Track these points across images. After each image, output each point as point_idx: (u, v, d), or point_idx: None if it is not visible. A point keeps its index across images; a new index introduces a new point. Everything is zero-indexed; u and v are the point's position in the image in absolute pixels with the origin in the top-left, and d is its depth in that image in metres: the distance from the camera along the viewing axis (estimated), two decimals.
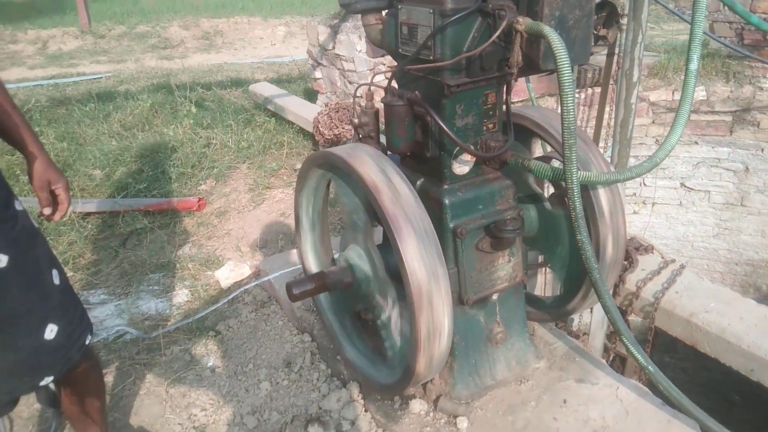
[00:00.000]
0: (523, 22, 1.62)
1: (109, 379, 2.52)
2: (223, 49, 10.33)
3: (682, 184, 6.16)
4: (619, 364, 2.84)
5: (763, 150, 5.63)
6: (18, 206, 1.61)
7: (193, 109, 5.25)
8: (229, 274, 3.10)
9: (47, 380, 1.68)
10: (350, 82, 4.64)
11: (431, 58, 1.73)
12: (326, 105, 4.44)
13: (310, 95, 5.82)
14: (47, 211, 1.73)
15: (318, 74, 5.19)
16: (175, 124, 5.03)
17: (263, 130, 5.01)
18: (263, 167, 4.44)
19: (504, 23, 1.63)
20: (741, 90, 5.49)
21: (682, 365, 6.05)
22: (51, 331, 1.62)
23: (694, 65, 1.84)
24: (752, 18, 4.94)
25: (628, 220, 2.06)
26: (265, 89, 5.60)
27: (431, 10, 1.67)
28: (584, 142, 2.00)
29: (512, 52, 1.68)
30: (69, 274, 3.24)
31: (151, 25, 11.04)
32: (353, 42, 4.39)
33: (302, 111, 4.83)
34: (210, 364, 2.56)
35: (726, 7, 5.02)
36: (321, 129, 4.29)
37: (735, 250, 6.28)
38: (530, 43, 1.67)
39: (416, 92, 1.82)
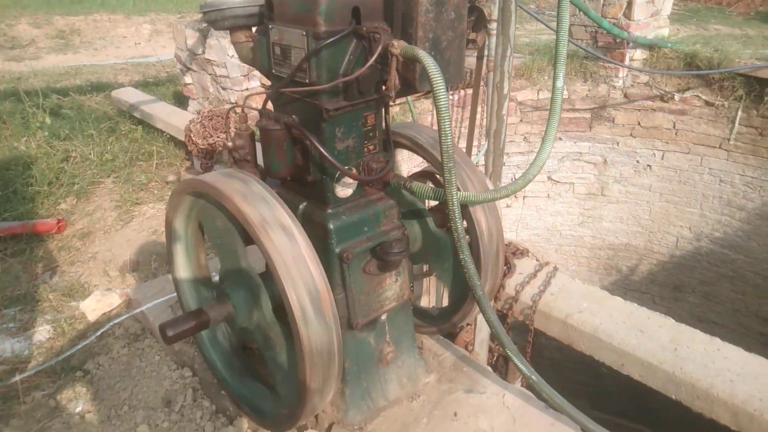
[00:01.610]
0: (399, 46, 1.60)
1: None
2: (81, 50, 9.53)
3: (549, 178, 6.55)
4: (503, 363, 2.95)
5: (618, 143, 6.12)
6: None
7: (48, 120, 4.77)
8: (97, 304, 2.84)
9: None
10: (223, 88, 4.44)
11: (307, 81, 1.67)
12: (199, 113, 4.21)
13: (181, 100, 5.51)
14: None
15: (188, 79, 4.92)
16: (27, 136, 4.54)
17: (129, 139, 4.67)
18: (131, 181, 4.14)
19: (379, 47, 1.60)
20: (597, 89, 5.92)
21: (557, 344, 6.46)
22: None
23: (560, 82, 1.91)
24: (603, 23, 5.34)
25: (502, 214, 2.13)
26: (129, 95, 5.22)
27: (304, 32, 1.60)
28: (462, 162, 2.03)
29: (389, 75, 1.66)
30: None
31: None
32: (224, 47, 4.19)
33: (172, 119, 4.56)
34: (79, 409, 2.33)
35: (581, 12, 5.38)
36: (194, 138, 4.06)
37: (598, 236, 6.79)
38: (406, 66, 1.65)
39: (293, 116, 1.75)
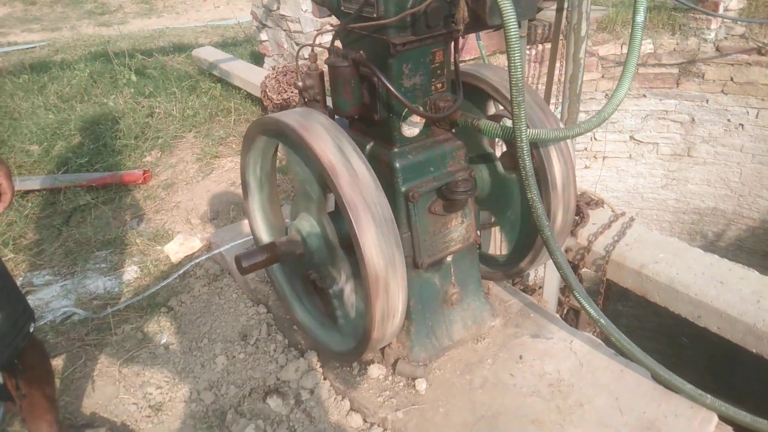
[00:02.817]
0: None
1: (58, 362, 2.44)
2: (164, 14, 9.90)
3: (632, 137, 6.27)
4: (572, 317, 2.90)
5: (708, 101, 5.75)
6: None
7: (134, 78, 5.02)
8: (179, 248, 3.01)
9: None
10: (297, 44, 4.50)
11: (375, 15, 1.66)
12: (273, 68, 4.31)
13: (257, 58, 5.64)
14: None
15: (264, 36, 5.02)
16: (116, 93, 4.81)
17: (209, 96, 4.84)
18: (210, 135, 4.30)
19: None
20: (686, 42, 5.57)
21: (634, 312, 6.27)
22: None
23: (640, 17, 1.81)
24: None
25: (579, 175, 2.08)
26: (209, 54, 5.39)
27: None
28: (534, 100, 1.98)
29: (458, 7, 1.63)
30: (10, 256, 3.10)
31: None
32: (298, 2, 4.24)
33: (249, 75, 4.68)
34: (163, 341, 2.49)
35: None
36: (269, 93, 4.17)
37: (682, 199, 6.47)
38: None
39: (361, 52, 1.75)
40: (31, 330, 1.73)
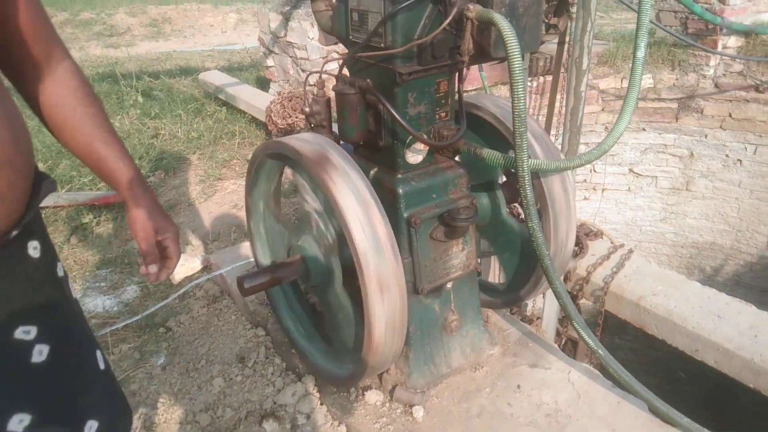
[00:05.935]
0: (474, 10, 1.61)
1: None
2: (171, 37, 10.06)
3: (631, 170, 6.32)
4: (570, 347, 2.90)
5: (706, 136, 5.82)
6: (60, 271, 1.14)
7: (140, 99, 5.08)
8: (180, 268, 3.01)
9: None
10: (303, 70, 4.57)
11: (382, 45, 1.71)
12: (279, 94, 4.37)
13: (263, 84, 5.71)
14: (153, 269, 1.31)
15: (270, 62, 5.10)
16: (122, 114, 4.86)
17: (214, 119, 4.89)
18: (214, 158, 4.34)
19: (454, 10, 1.61)
20: (686, 78, 5.65)
21: (631, 346, 6.25)
22: (89, 429, 1.16)
23: (641, 53, 1.85)
24: (695, 7, 5.09)
25: (579, 206, 2.10)
26: (215, 78, 5.47)
27: None
28: (535, 130, 2.01)
29: (463, 39, 1.67)
30: None
31: (95, 11, 10.66)
32: (305, 29, 4.31)
33: (254, 100, 4.74)
34: (160, 361, 2.48)
35: None
36: (274, 118, 4.22)
37: (681, 233, 6.50)
38: (481, 31, 1.66)
39: (368, 80, 1.79)
40: None
